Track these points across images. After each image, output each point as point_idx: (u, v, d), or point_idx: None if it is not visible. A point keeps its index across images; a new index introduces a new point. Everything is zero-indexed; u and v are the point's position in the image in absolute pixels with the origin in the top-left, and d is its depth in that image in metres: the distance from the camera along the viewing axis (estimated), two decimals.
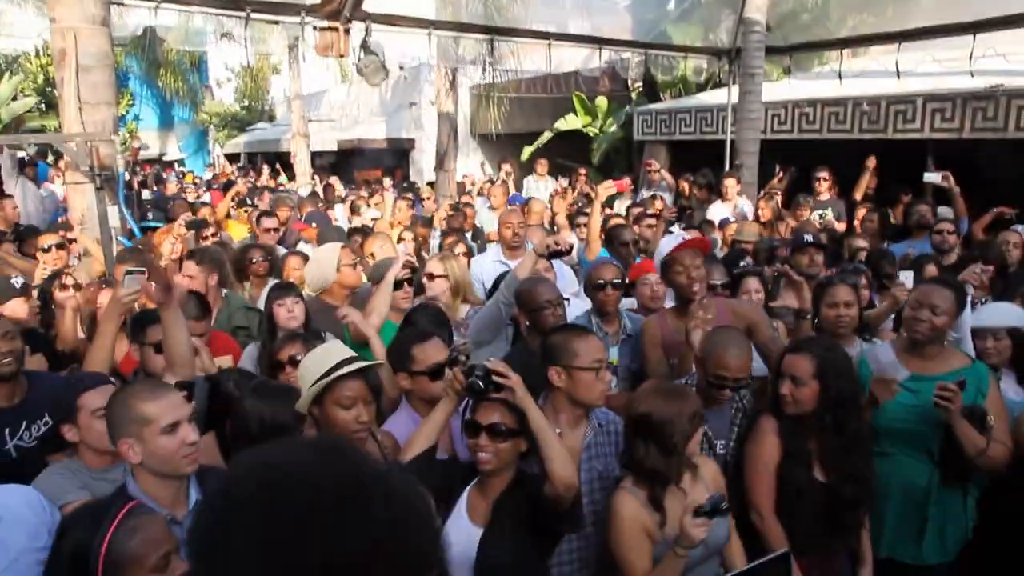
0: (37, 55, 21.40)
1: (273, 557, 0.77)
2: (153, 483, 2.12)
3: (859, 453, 2.72)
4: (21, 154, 8.52)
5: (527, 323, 3.58)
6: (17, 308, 3.90)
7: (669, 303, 3.99)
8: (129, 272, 3.13)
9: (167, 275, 3.27)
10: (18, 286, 4.03)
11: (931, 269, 4.62)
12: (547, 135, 14.47)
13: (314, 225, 7.02)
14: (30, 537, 2.07)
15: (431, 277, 4.22)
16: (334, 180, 13.79)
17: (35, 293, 4.32)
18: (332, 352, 2.44)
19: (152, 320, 3.17)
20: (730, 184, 8.10)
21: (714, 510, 2.19)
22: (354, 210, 9.05)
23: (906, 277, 4.04)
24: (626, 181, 6.93)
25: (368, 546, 0.79)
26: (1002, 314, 3.62)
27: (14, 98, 20.16)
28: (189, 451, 2.11)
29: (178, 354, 2.85)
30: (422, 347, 2.86)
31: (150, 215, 8.12)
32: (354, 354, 2.46)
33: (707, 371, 2.88)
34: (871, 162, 7.88)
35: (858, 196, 7.79)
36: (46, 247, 5.46)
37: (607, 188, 5.52)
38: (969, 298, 3.44)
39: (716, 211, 7.82)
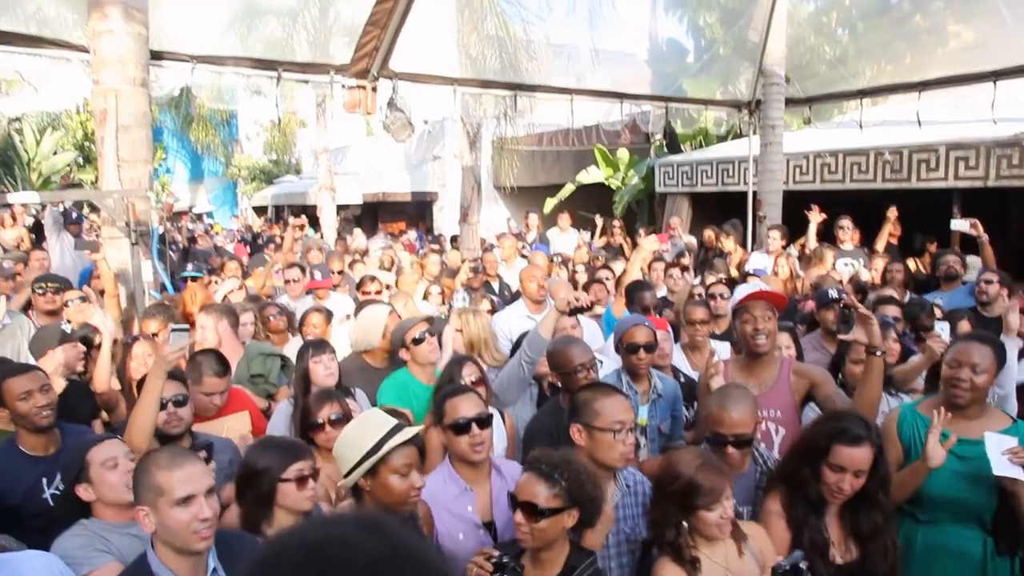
0: (77, 111, 22.14)
1: None
2: (170, 554, 2.10)
3: (890, 524, 2.61)
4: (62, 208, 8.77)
5: (559, 384, 3.55)
6: (61, 355, 3.96)
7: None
8: (175, 330, 3.17)
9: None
10: (68, 331, 4.12)
11: (964, 325, 4.54)
12: (569, 187, 14.62)
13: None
14: None
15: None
16: (358, 232, 13.99)
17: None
18: (373, 421, 2.42)
19: (172, 377, 3.16)
20: (774, 236, 8.01)
21: (794, 570, 2.10)
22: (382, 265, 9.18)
23: (941, 328, 3.95)
24: (666, 236, 6.86)
25: None
26: None
27: (54, 153, 20.87)
28: (201, 527, 2.06)
29: (139, 430, 2.85)
30: (453, 401, 2.82)
31: (189, 266, 8.30)
32: (398, 422, 2.44)
33: (707, 430, 2.85)
34: (892, 213, 7.84)
35: (879, 247, 7.74)
36: (67, 302, 5.48)
37: (652, 242, 5.28)
38: (1017, 349, 3.36)
39: (757, 260, 7.79)
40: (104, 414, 4.12)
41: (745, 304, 3.42)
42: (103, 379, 4.05)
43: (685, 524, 2.35)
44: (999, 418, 2.98)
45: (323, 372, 3.64)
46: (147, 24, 5.67)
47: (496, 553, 2.20)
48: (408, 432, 2.36)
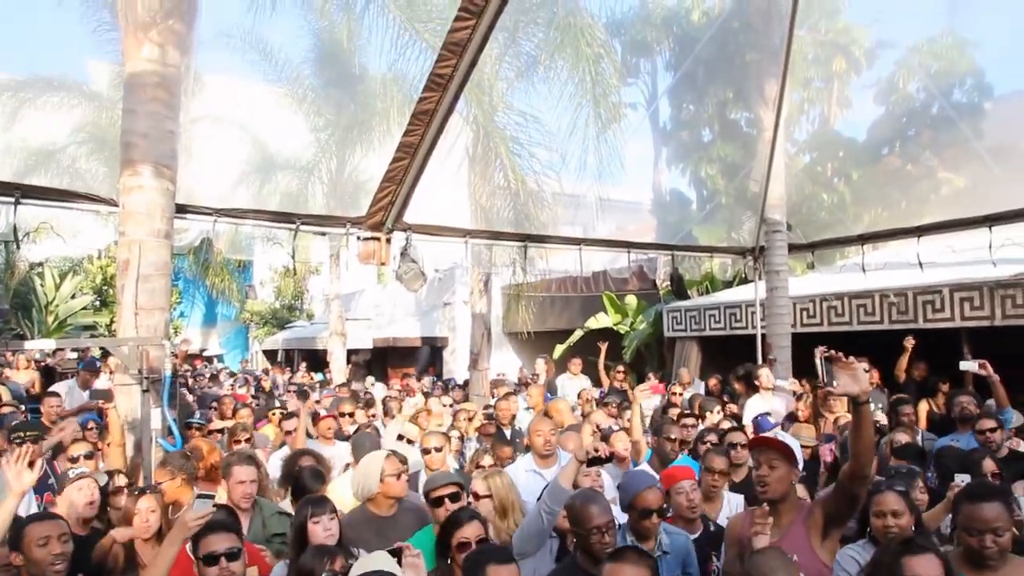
0: (98, 256, 22.78)
1: None
2: None
3: None
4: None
5: (575, 539, 3.46)
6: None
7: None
8: (200, 496, 3.13)
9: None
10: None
11: (989, 464, 4.45)
12: (579, 333, 14.74)
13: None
14: None
15: (476, 497, 4.08)
16: (369, 382, 13.98)
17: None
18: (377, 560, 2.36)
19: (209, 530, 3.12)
20: (764, 374, 8.05)
21: None
22: (387, 412, 9.12)
23: (963, 479, 3.90)
24: (661, 385, 7.00)
25: None
26: None
27: (72, 296, 21.31)
28: None
29: None
30: (497, 568, 2.76)
31: (197, 414, 8.26)
32: (396, 571, 2.38)
33: None
34: (909, 342, 7.85)
35: (901, 378, 7.69)
36: (74, 457, 5.43)
37: (643, 391, 5.53)
38: None
39: (754, 405, 7.71)
40: None
41: (758, 447, 3.42)
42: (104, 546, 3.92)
43: None
44: (1020, 566, 2.92)
45: (322, 533, 3.48)
46: (175, 180, 5.95)
47: None
48: None
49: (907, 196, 9.53)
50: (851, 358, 2.98)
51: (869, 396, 2.99)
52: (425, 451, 5.14)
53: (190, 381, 14.10)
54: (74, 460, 5.40)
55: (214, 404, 9.72)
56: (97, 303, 22.27)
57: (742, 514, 3.53)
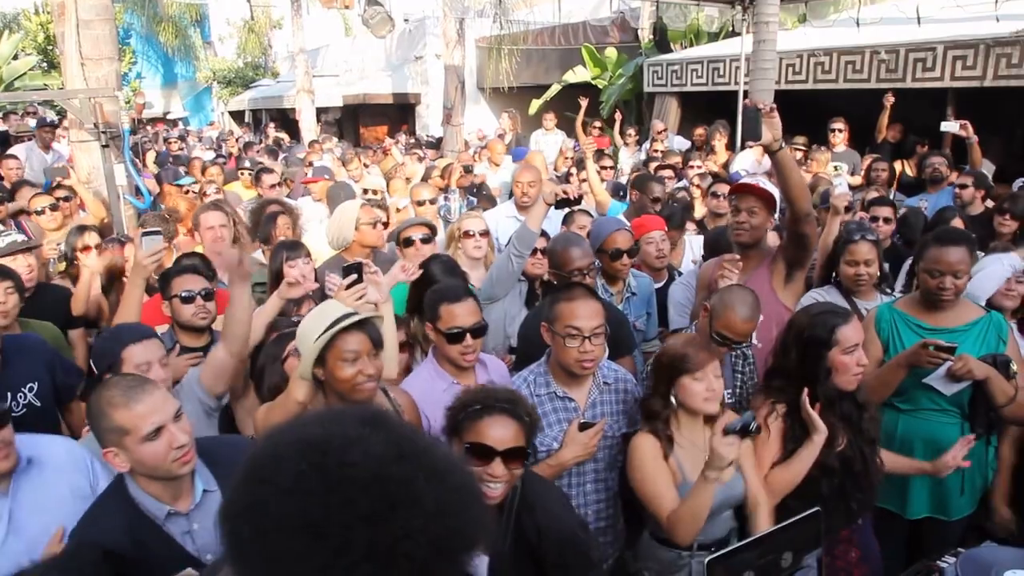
0: (36, 12, 21.10)
1: (318, 542, 0.76)
2: (149, 483, 2.01)
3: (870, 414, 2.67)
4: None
5: (554, 282, 3.48)
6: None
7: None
8: (146, 233, 3.09)
9: (242, 249, 3.19)
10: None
11: (957, 222, 4.52)
12: (555, 88, 14.22)
13: (327, 177, 6.85)
14: (71, 487, 2.20)
15: (478, 235, 4.01)
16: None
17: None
18: (328, 310, 2.38)
19: (179, 272, 3.22)
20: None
21: (744, 429, 2.13)
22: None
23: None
24: (606, 139, 6.97)
25: (415, 526, 0.77)
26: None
27: (15, 57, 19.97)
28: (179, 454, 1.96)
29: (235, 332, 2.70)
30: (449, 307, 2.77)
31: (184, 174, 8.07)
32: (351, 310, 2.39)
33: (712, 326, 2.84)
34: (889, 99, 7.69)
35: (880, 138, 7.63)
36: (38, 209, 5.26)
37: (589, 146, 5.95)
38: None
39: (745, 159, 7.66)
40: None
41: (737, 192, 3.44)
42: (80, 301, 3.99)
43: (673, 400, 2.40)
44: (972, 310, 3.05)
45: (297, 275, 3.50)
46: None
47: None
48: (354, 318, 2.31)
49: None
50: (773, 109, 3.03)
51: (781, 144, 3.05)
52: (419, 203, 5.13)
53: (158, 144, 13.62)
54: (39, 213, 5.27)
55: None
56: (44, 65, 20.89)
57: (713, 261, 3.58)
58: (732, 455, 2.13)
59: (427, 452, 0.83)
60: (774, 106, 3.04)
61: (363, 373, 2.29)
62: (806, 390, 2.49)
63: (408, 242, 3.97)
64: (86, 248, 4.28)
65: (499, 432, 2.06)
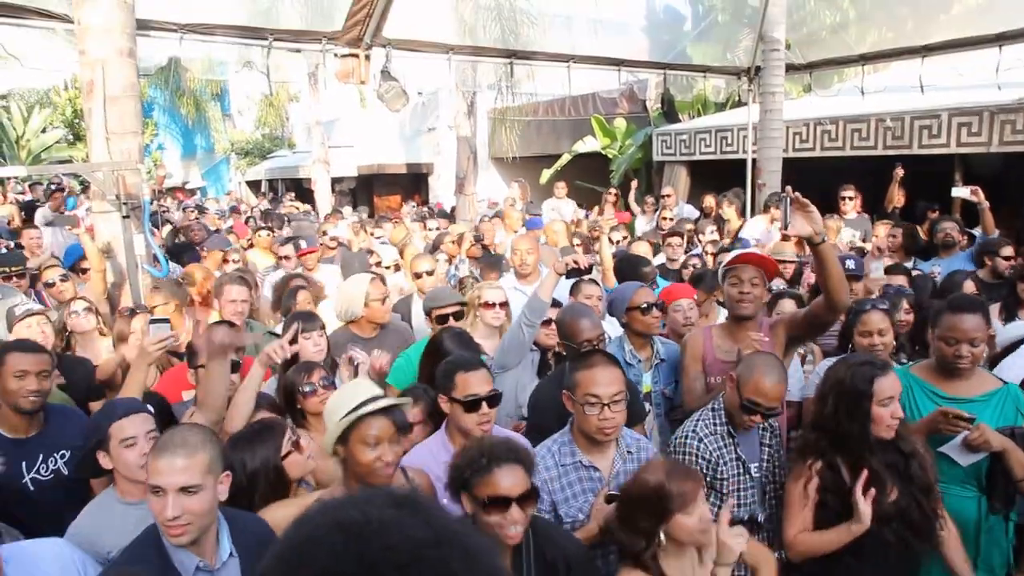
0: (66, 88, 21.89)
1: None
2: None
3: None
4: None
5: (564, 353, 3.49)
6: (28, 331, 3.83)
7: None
8: (154, 321, 3.13)
9: (237, 331, 3.25)
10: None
11: (969, 285, 4.52)
12: (566, 157, 14.47)
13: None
14: None
15: (498, 306, 4.00)
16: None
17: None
18: (359, 391, 2.38)
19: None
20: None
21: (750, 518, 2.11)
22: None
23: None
24: (627, 214, 6.97)
25: None
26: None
27: (43, 130, 20.61)
28: (168, 524, 2.01)
29: (209, 404, 2.80)
30: (464, 376, 2.77)
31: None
32: (379, 392, 2.39)
33: (741, 394, 2.79)
34: (899, 172, 7.74)
35: (888, 207, 7.65)
36: (49, 282, 5.42)
37: (609, 222, 5.45)
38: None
39: (755, 226, 7.70)
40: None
41: (734, 265, 3.36)
42: (107, 368, 3.98)
43: (662, 536, 2.20)
44: (989, 380, 3.01)
45: (312, 348, 3.55)
46: None
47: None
48: (382, 402, 2.31)
49: (915, 15, 9.00)
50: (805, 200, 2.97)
51: (823, 237, 2.99)
52: (416, 275, 5.17)
53: (178, 214, 13.90)
54: (49, 285, 5.39)
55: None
56: (70, 137, 21.57)
57: (699, 331, 3.55)
58: (741, 547, 2.12)
59: (460, 535, 0.83)
60: (797, 196, 2.99)
61: (382, 460, 2.28)
62: (864, 474, 2.47)
63: (442, 319, 3.93)
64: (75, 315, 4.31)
65: (509, 480, 2.15)
